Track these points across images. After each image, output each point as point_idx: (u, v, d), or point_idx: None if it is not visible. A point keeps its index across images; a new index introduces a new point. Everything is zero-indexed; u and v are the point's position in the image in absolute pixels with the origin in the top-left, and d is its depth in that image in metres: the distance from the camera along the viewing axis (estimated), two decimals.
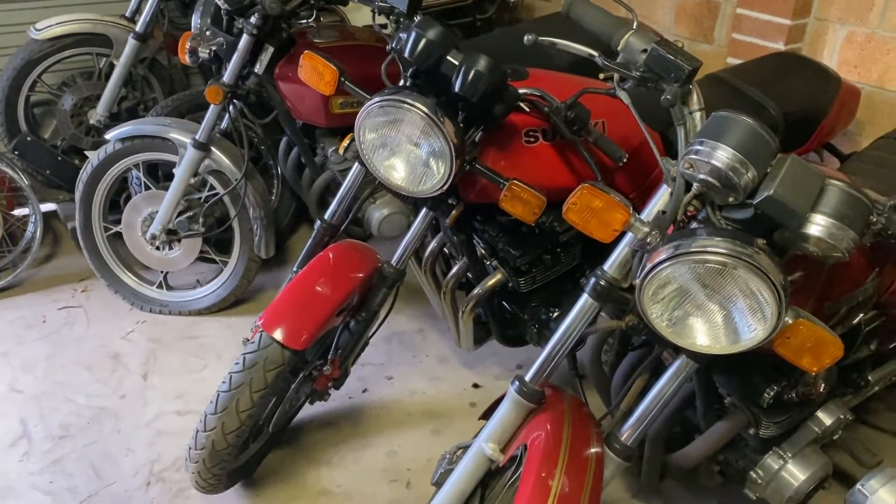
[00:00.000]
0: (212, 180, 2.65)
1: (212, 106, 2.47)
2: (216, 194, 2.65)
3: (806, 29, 2.75)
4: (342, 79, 1.83)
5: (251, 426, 1.82)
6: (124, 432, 2.30)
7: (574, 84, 1.87)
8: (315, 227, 2.10)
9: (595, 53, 1.42)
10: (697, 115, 1.33)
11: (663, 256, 1.18)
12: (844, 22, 2.66)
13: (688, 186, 1.24)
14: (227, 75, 2.44)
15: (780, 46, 2.73)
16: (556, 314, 2.12)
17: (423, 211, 1.92)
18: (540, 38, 1.48)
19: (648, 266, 1.21)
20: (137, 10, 3.11)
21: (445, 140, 1.63)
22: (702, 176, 1.18)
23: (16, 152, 3.15)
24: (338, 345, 1.96)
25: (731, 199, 1.19)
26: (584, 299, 1.40)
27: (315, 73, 1.83)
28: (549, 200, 1.75)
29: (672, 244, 1.19)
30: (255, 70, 2.50)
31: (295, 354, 1.77)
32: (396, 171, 1.74)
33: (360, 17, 3.49)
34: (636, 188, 2.10)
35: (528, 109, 1.76)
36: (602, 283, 1.37)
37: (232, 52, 2.43)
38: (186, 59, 2.40)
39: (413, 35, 1.64)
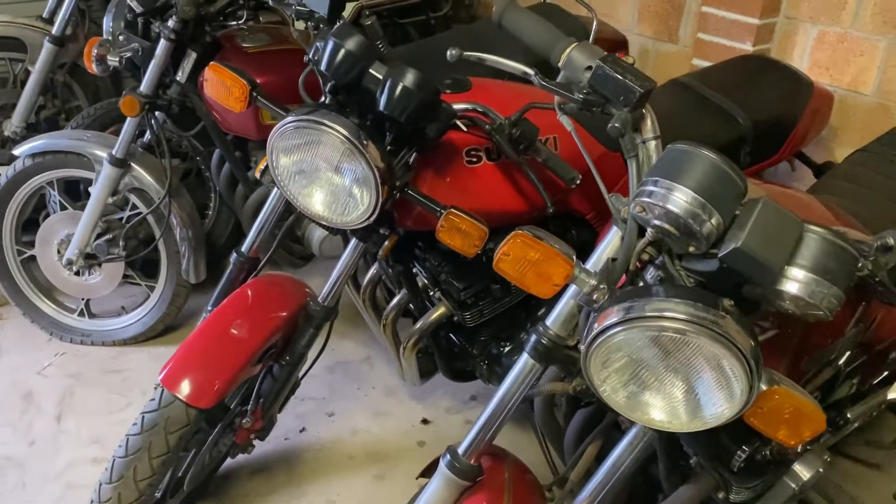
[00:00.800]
0: (134, 199, 2.41)
1: (128, 119, 2.24)
2: (139, 214, 2.41)
3: (775, 28, 2.58)
4: (254, 94, 1.59)
5: (154, 493, 1.59)
6: (30, 486, 2.05)
7: (524, 96, 1.66)
8: (231, 259, 1.87)
9: (531, 71, 1.20)
10: (652, 144, 1.12)
11: (613, 320, 0.98)
12: (816, 21, 2.49)
13: (641, 230, 1.04)
14: (144, 84, 2.20)
15: (747, 47, 2.55)
16: (507, 348, 1.94)
17: (353, 241, 1.70)
18: (465, 53, 1.26)
19: (596, 329, 1.01)
20: (56, 11, 2.84)
21: (369, 166, 1.41)
22: (656, 222, 0.98)
23: None
24: (259, 393, 1.74)
25: (691, 249, 1.00)
26: (525, 359, 1.19)
27: (223, 87, 1.59)
28: (495, 226, 1.55)
29: (622, 305, 0.98)
30: (178, 78, 2.27)
31: (202, 412, 1.54)
32: (316, 200, 1.52)
33: None
34: (594, 207, 1.91)
35: (465, 129, 1.54)
36: (544, 341, 1.16)
37: (149, 59, 2.19)
38: (93, 67, 2.15)
39: (330, 45, 1.42)
